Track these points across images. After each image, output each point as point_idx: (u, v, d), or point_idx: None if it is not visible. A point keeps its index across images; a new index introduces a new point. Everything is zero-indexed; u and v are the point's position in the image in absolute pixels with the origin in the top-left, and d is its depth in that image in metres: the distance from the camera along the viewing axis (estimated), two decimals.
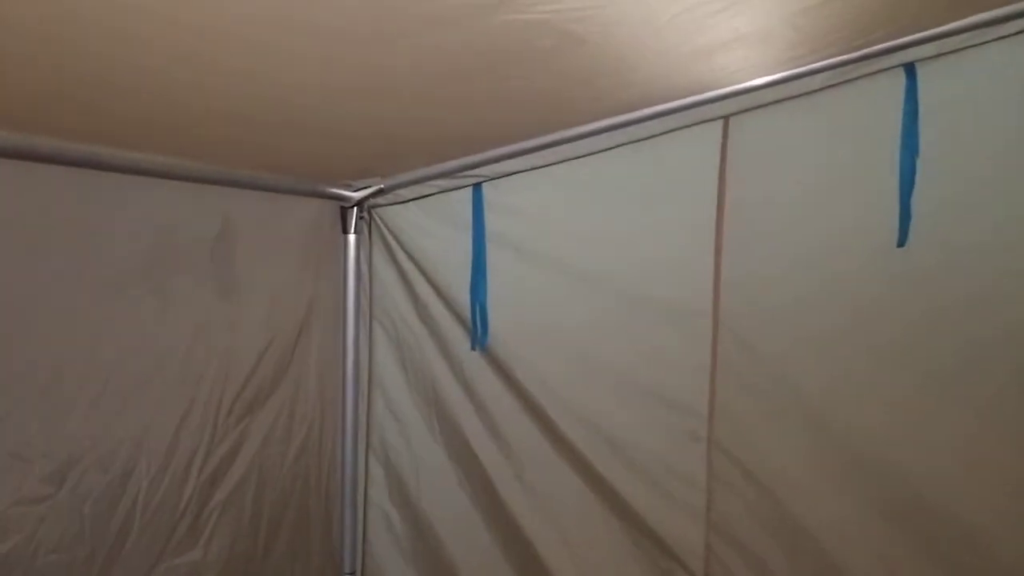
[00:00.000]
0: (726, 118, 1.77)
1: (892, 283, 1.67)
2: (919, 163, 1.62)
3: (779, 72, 1.63)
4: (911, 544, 1.68)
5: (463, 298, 2.00)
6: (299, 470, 1.96)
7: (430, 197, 2.03)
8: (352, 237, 2.08)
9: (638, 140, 1.81)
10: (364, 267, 2.13)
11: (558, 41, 1.13)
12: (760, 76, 1.64)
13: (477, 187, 1.98)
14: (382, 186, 2.01)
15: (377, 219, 2.10)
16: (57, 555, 1.35)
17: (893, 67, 1.64)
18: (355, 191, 2.03)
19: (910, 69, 1.63)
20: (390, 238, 2.09)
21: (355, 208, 2.06)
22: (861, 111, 1.70)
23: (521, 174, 1.93)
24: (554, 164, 1.90)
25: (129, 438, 1.47)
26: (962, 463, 1.64)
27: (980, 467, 1.63)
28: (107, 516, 1.44)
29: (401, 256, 2.08)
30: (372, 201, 2.08)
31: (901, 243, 1.65)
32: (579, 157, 1.88)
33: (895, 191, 1.65)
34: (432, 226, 2.04)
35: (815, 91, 1.68)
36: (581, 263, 1.92)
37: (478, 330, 1.98)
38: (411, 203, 2.05)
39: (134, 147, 1.45)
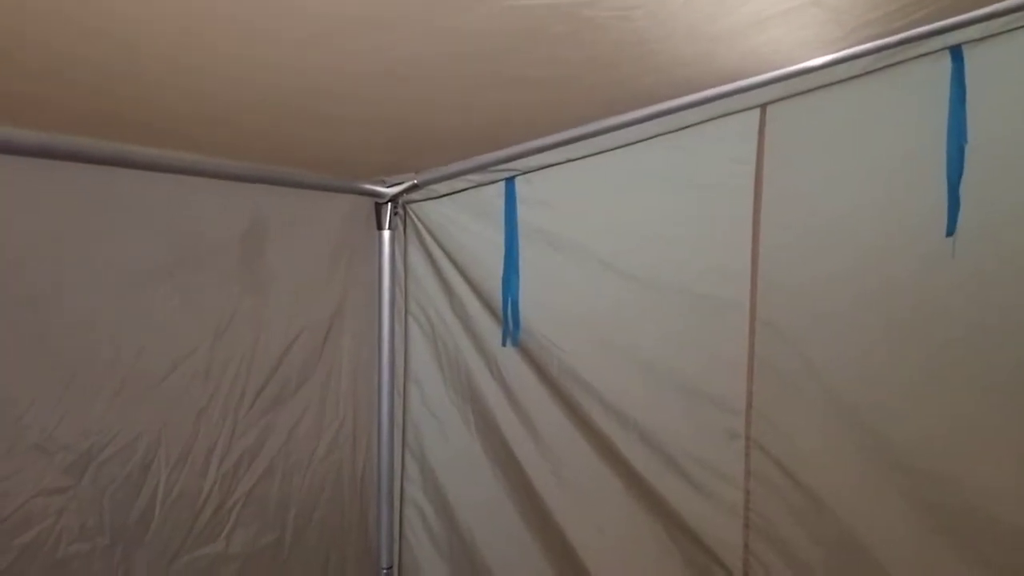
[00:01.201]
0: (763, 106, 1.73)
1: (944, 276, 1.61)
2: (967, 150, 1.56)
3: (817, 57, 1.58)
4: (958, 552, 1.62)
5: (497, 293, 1.99)
6: (330, 465, 1.96)
7: (464, 192, 2.02)
8: (387, 233, 2.08)
9: (673, 131, 1.78)
10: (399, 263, 2.13)
11: (575, 26, 1.11)
12: (797, 62, 1.59)
13: (510, 181, 1.96)
14: (415, 181, 2.01)
15: (412, 215, 2.10)
16: (78, 545, 1.37)
17: (938, 50, 1.58)
18: (388, 187, 2.03)
19: (956, 52, 1.57)
20: (425, 233, 2.08)
21: (389, 204, 2.06)
22: (905, 97, 1.65)
23: (554, 167, 1.91)
24: (588, 157, 1.87)
25: (148, 431, 1.49)
26: (1019, 473, 1.58)
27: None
28: (127, 507, 1.46)
29: (436, 251, 2.07)
30: (406, 197, 2.07)
31: (950, 232, 1.59)
32: (612, 149, 1.85)
33: (941, 179, 1.59)
34: (466, 221, 2.03)
35: (856, 76, 1.63)
36: (615, 257, 1.89)
37: (510, 325, 1.97)
38: (445, 198, 2.04)
39: (160, 144, 1.46)
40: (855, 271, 1.70)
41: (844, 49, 1.56)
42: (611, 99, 1.67)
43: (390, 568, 2.15)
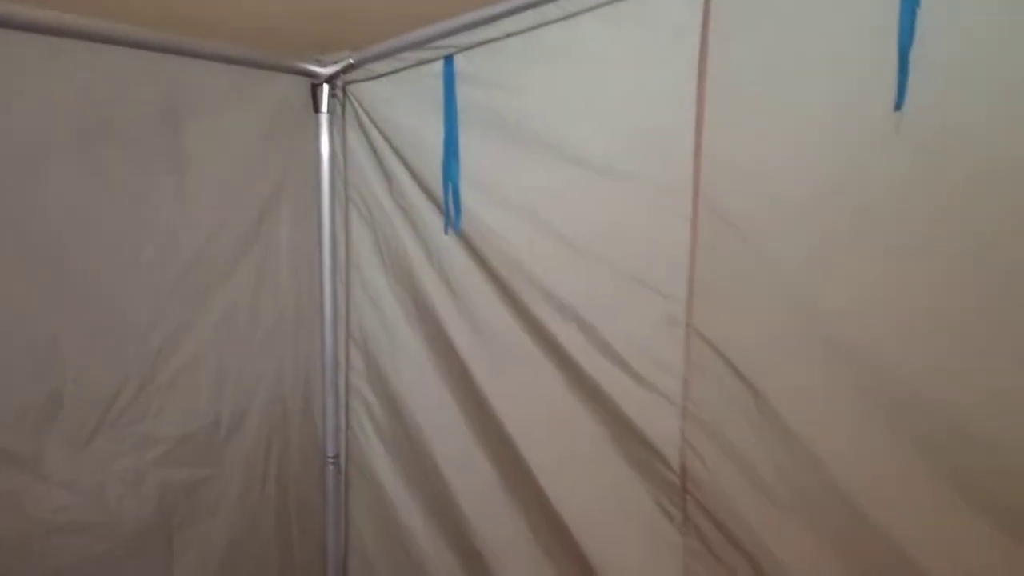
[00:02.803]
0: None
1: (889, 152, 1.51)
2: (919, 15, 1.44)
3: None
4: (906, 442, 1.56)
5: (438, 179, 1.91)
6: (270, 352, 1.94)
7: (403, 72, 1.92)
8: (324, 116, 2.00)
9: (615, 0, 1.66)
10: (338, 148, 2.05)
11: None
12: None
13: (449, 59, 1.86)
14: (351, 60, 1.91)
15: (351, 97, 2.01)
16: None
17: None
18: (324, 67, 1.93)
19: None
20: (364, 117, 1.99)
21: (326, 85, 1.97)
22: None
23: (495, 43, 1.80)
24: (528, 31, 1.76)
25: (54, 309, 1.45)
26: (960, 358, 1.51)
27: (982, 362, 1.49)
28: (35, 384, 1.43)
29: (375, 135, 1.99)
30: (344, 78, 1.98)
31: (899, 105, 1.48)
32: (554, 21, 1.73)
33: (894, 49, 1.47)
34: (405, 102, 1.94)
35: None
36: (557, 138, 1.80)
37: (451, 212, 1.90)
38: (384, 79, 1.95)
39: (67, 8, 1.38)
40: (804, 151, 1.59)
41: None
42: None
43: (336, 457, 2.15)
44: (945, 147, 1.46)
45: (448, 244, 1.95)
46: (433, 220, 1.96)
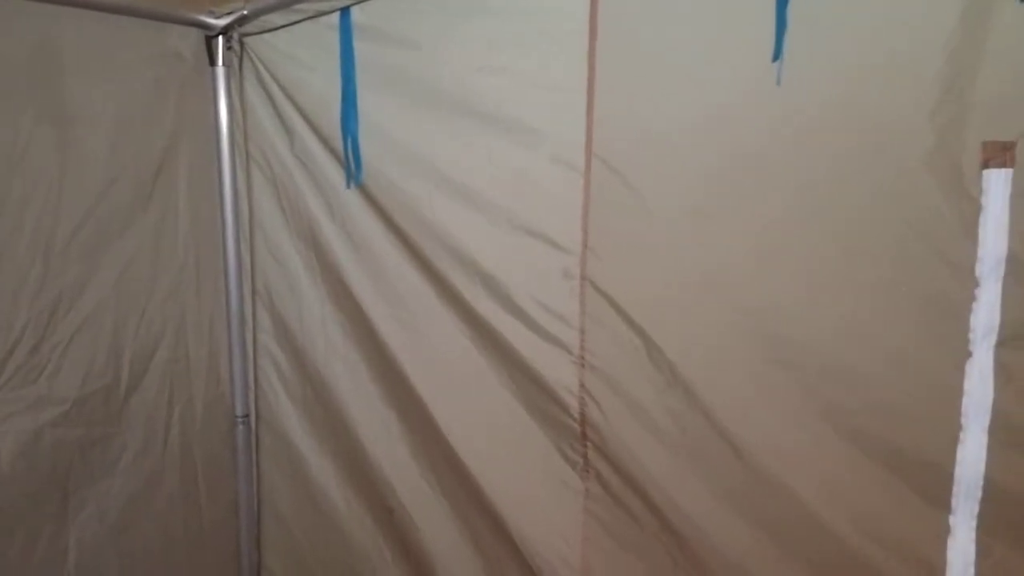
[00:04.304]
0: None
1: (768, 102, 1.54)
2: None
3: None
4: (785, 383, 1.62)
5: (337, 133, 1.89)
6: (171, 310, 1.92)
7: (300, 24, 1.89)
8: (220, 69, 1.96)
9: None
10: (237, 102, 2.01)
11: None
12: None
13: (345, 11, 1.83)
14: (245, 11, 1.87)
15: (249, 50, 1.97)
16: None
17: None
18: (217, 18, 1.89)
19: None
20: (262, 70, 1.96)
21: (221, 38, 1.92)
22: None
23: None
24: None
25: None
26: (819, 293, 1.56)
27: (841, 296, 1.55)
28: None
29: (274, 89, 1.96)
30: (240, 30, 1.94)
31: (776, 56, 1.51)
32: None
33: (772, 2, 1.50)
34: (303, 55, 1.91)
35: None
36: (453, 91, 1.80)
37: (351, 166, 1.88)
38: (281, 31, 1.91)
39: None
40: (688, 104, 1.62)
41: None
42: None
43: (246, 416, 2.14)
44: (821, 97, 1.50)
45: (350, 199, 1.94)
46: (334, 175, 1.95)
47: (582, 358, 1.80)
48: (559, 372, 1.82)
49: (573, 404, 1.82)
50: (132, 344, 1.83)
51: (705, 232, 1.64)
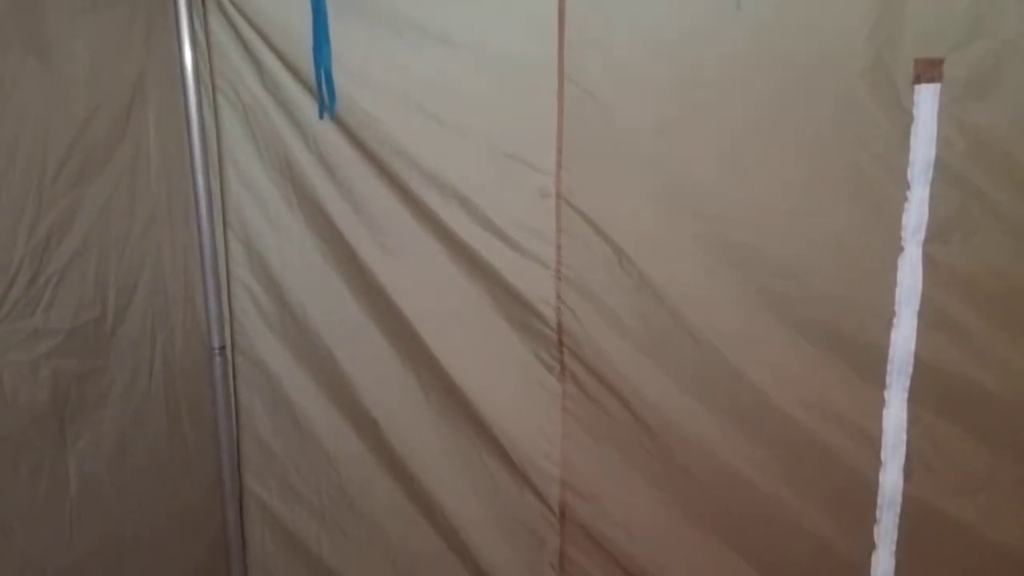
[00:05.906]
0: None
1: (730, 24, 1.68)
2: None
3: None
4: (738, 277, 1.79)
5: (309, 64, 1.93)
6: (149, 244, 1.93)
7: None
8: (183, 1, 1.94)
9: None
10: (201, 34, 2.00)
11: None
12: None
13: None
14: None
15: None
16: None
17: None
18: None
19: None
20: (226, 1, 1.96)
21: None
22: None
23: None
24: None
25: None
26: (770, 199, 1.74)
27: (789, 200, 1.73)
28: None
29: (239, 21, 1.96)
30: None
31: None
32: None
33: None
34: None
35: None
36: (425, 18, 1.86)
37: (325, 97, 1.93)
38: None
39: None
40: (653, 25, 1.74)
41: None
42: None
43: (223, 348, 2.18)
44: (776, 20, 1.66)
45: (325, 129, 1.98)
46: (308, 107, 1.98)
47: (558, 271, 1.94)
48: (537, 286, 1.95)
49: (550, 314, 1.96)
50: (115, 278, 1.83)
51: (670, 146, 1.80)
